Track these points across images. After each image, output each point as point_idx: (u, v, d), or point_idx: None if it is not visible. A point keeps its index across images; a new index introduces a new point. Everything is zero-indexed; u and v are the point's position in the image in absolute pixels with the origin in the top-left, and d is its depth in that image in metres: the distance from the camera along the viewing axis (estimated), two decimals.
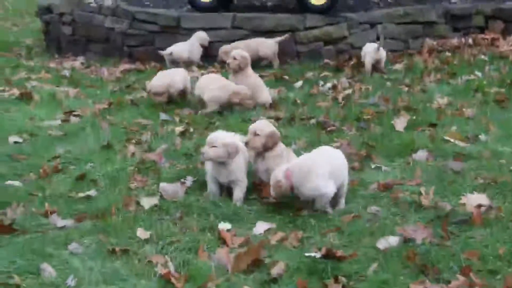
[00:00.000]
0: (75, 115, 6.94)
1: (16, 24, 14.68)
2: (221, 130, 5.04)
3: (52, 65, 9.83)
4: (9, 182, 5.08)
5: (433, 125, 5.98)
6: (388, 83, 7.71)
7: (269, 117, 6.35)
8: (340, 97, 7.13)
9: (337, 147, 5.35)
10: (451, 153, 5.28)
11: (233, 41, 8.77)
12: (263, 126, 4.78)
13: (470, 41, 9.14)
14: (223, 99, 6.78)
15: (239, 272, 3.72)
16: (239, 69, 6.97)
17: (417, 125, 6.01)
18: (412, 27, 9.38)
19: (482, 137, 5.61)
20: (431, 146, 5.44)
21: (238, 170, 4.69)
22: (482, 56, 8.40)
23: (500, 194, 4.51)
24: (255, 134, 4.69)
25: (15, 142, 6.07)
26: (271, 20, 9.10)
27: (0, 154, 5.68)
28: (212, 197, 4.71)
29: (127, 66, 9.39)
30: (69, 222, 4.40)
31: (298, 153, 5.03)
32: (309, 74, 8.36)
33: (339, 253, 3.75)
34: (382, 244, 3.91)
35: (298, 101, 7.14)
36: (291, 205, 4.54)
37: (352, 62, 8.71)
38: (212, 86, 6.84)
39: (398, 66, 8.53)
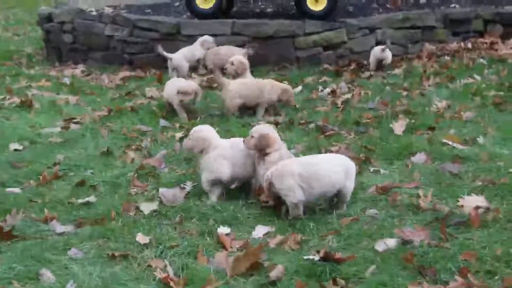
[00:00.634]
0: (75, 122, 6.97)
1: (17, 33, 14.75)
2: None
3: (52, 73, 9.87)
4: (9, 189, 5.10)
5: (432, 128, 6.00)
6: (387, 87, 7.73)
7: (268, 122, 6.37)
8: (339, 101, 7.15)
9: (336, 151, 5.40)
10: (449, 156, 5.29)
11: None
12: (259, 128, 4.82)
13: (469, 45, 9.18)
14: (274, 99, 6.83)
15: (238, 276, 3.73)
16: (236, 74, 6.99)
17: (416, 129, 6.03)
18: (411, 31, 9.43)
19: (480, 139, 5.62)
20: (429, 149, 5.45)
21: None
22: (481, 60, 8.42)
23: (498, 196, 4.52)
24: (251, 136, 4.72)
25: (15, 150, 6.10)
26: (271, 26, 9.15)
27: (0, 162, 5.71)
28: None
29: (127, 73, 9.43)
30: (68, 228, 4.41)
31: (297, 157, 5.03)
32: (309, 79, 8.39)
33: (338, 255, 3.76)
34: (380, 246, 3.93)
35: (297, 106, 7.15)
36: None
37: (351, 67, 8.74)
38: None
39: (397, 70, 8.56)
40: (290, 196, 4.37)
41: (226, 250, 4.06)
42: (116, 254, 4.00)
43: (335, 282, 3.52)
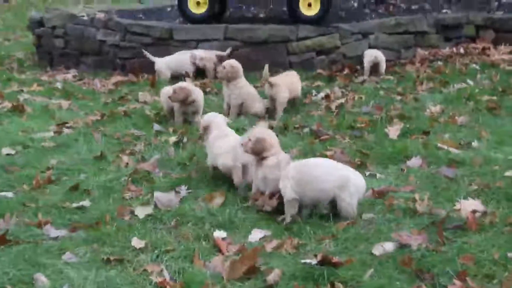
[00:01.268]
0: (67, 127, 6.93)
1: (7, 38, 14.66)
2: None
3: (44, 78, 9.80)
4: (1, 193, 5.05)
5: (426, 132, 6.00)
6: (381, 92, 7.74)
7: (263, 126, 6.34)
8: (333, 106, 7.15)
9: (331, 156, 5.39)
10: (444, 160, 5.29)
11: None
12: (256, 131, 4.82)
13: (462, 50, 9.21)
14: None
15: (234, 280, 3.70)
16: (228, 79, 6.97)
17: (410, 133, 6.03)
18: (404, 37, 9.45)
19: (475, 143, 5.63)
20: (425, 153, 5.45)
21: None
22: (474, 65, 8.46)
23: (494, 200, 4.52)
24: (249, 139, 4.70)
25: (8, 154, 6.05)
26: (264, 31, 9.13)
27: None
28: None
29: (119, 78, 9.39)
30: (62, 232, 4.37)
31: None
32: (302, 84, 8.36)
33: (335, 259, 3.73)
34: (377, 250, 3.91)
35: (291, 111, 7.14)
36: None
37: (344, 72, 8.76)
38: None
39: (390, 76, 8.56)
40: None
41: (223, 254, 4.03)
42: (111, 258, 3.96)
43: (333, 286, 3.49)
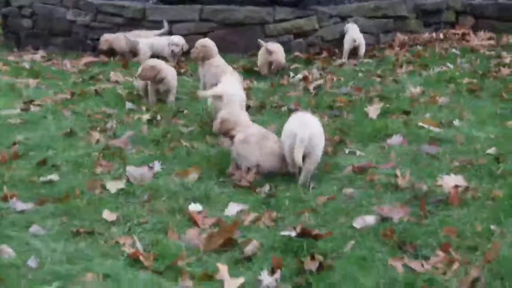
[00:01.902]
0: (35, 105, 6.68)
1: None
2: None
3: (10, 58, 9.48)
4: None
5: (407, 112, 5.90)
6: (360, 74, 7.64)
7: None
8: (311, 87, 7.02)
9: None
10: (425, 138, 5.20)
11: (202, 34, 8.58)
12: (222, 113, 4.94)
13: (441, 36, 9.13)
14: None
15: (211, 251, 3.56)
16: (202, 58, 6.81)
17: (391, 113, 5.92)
18: (383, 21, 9.34)
19: (456, 122, 5.53)
20: (405, 131, 5.35)
21: None
22: (453, 50, 8.38)
23: (476, 177, 4.44)
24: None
25: None
26: (240, 13, 8.94)
27: None
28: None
29: (90, 59, 9.11)
30: (29, 205, 4.19)
31: None
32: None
33: (315, 231, 3.62)
34: (358, 223, 3.81)
35: (268, 91, 7.00)
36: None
37: (322, 55, 8.63)
38: None
39: (369, 59, 8.46)
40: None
41: (198, 227, 3.88)
42: (81, 230, 3.81)
43: (313, 258, 3.35)
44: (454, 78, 7.00)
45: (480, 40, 8.85)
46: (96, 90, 7.16)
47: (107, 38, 9.09)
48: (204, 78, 6.86)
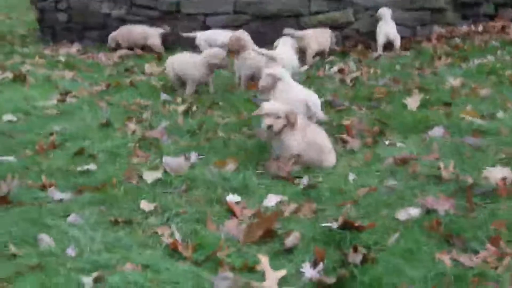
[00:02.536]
0: (71, 96, 6.69)
1: (9, 17, 14.41)
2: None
3: (47, 51, 9.55)
4: (3, 157, 4.83)
5: (448, 104, 5.74)
6: (397, 67, 7.47)
7: None
8: (347, 79, 6.89)
9: (348, 125, 5.17)
10: (468, 130, 5.03)
11: (236, 26, 8.49)
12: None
13: (480, 28, 8.89)
14: None
15: (251, 243, 3.48)
16: (236, 51, 6.73)
17: (431, 104, 5.76)
18: (420, 13, 9.10)
19: (500, 114, 5.34)
20: (447, 123, 5.19)
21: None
22: (493, 42, 8.14)
23: None
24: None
25: (9, 121, 5.83)
26: (275, 5, 8.84)
27: None
28: None
29: (125, 52, 9.13)
30: (67, 195, 4.18)
31: None
32: (314, 59, 8.11)
33: (357, 223, 3.52)
34: (402, 215, 3.69)
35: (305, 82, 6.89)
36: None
37: (358, 48, 8.49)
38: None
39: (406, 52, 8.29)
40: None
41: (237, 218, 3.81)
42: (119, 220, 3.78)
43: (356, 250, 3.25)
44: (495, 70, 6.78)
45: None
46: (131, 82, 7.15)
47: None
48: (240, 71, 6.80)
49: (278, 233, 3.57)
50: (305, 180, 4.32)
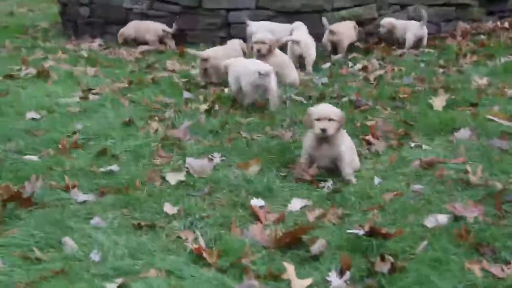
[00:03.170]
0: (94, 93, 6.70)
1: (32, 9, 14.47)
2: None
3: (69, 46, 9.59)
4: (26, 156, 4.84)
5: (474, 104, 5.64)
6: (422, 65, 7.38)
7: (298, 94, 6.08)
8: (371, 77, 6.81)
9: (372, 125, 5.10)
10: (496, 132, 4.93)
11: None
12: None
13: (506, 24, 8.74)
14: None
15: (276, 249, 3.44)
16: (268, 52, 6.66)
17: (457, 105, 5.67)
18: (445, 9, 9.01)
19: None
20: (473, 124, 5.10)
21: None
22: None
23: None
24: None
25: (33, 119, 5.84)
26: (297, 0, 8.77)
27: (17, 130, 5.46)
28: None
29: (146, 47, 9.11)
30: (90, 196, 4.17)
31: None
32: (337, 56, 8.04)
33: (384, 230, 3.45)
34: (430, 222, 3.61)
35: (328, 81, 6.84)
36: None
37: (382, 45, 8.39)
38: None
39: (430, 49, 8.17)
40: None
41: (261, 222, 3.76)
42: (142, 223, 3.74)
43: (383, 259, 3.18)
44: None
45: None
46: (153, 79, 7.13)
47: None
48: None
49: (304, 239, 3.51)
50: (329, 184, 4.26)
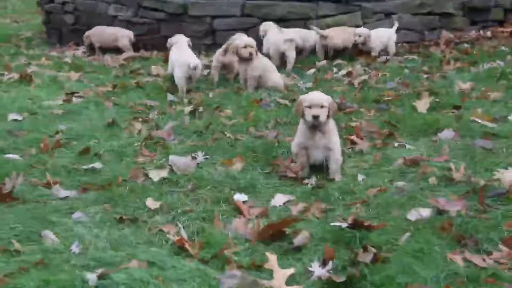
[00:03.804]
0: (77, 96, 6.66)
1: (16, 20, 14.43)
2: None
3: (53, 53, 9.56)
4: (8, 155, 4.79)
5: (458, 107, 5.67)
6: (406, 71, 7.43)
7: (283, 98, 6.08)
8: (355, 82, 6.84)
9: (356, 126, 5.12)
10: (479, 132, 4.95)
11: (243, 29, 8.45)
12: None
13: (489, 34, 8.83)
14: None
15: (259, 242, 3.42)
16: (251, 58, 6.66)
17: (440, 108, 5.69)
18: (429, 18, 9.09)
19: (511, 117, 5.28)
20: (457, 126, 5.12)
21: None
22: (502, 48, 8.08)
23: None
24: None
25: (15, 120, 5.79)
26: (282, 8, 8.81)
27: None
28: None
29: (131, 54, 9.11)
30: (72, 193, 4.14)
31: None
32: (322, 62, 8.09)
33: (367, 223, 3.44)
34: (413, 215, 3.61)
35: (313, 86, 6.85)
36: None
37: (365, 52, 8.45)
38: None
39: (414, 56, 8.24)
40: None
41: (244, 217, 3.74)
42: (125, 218, 3.71)
43: (366, 250, 3.17)
44: (505, 74, 6.70)
45: None
46: (137, 83, 7.12)
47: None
48: (245, 72, 6.71)
49: (287, 232, 3.50)
50: (313, 180, 4.26)
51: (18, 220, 3.62)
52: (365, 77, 7.06)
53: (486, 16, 9.38)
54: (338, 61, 8.12)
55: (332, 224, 3.50)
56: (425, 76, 7.07)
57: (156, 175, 4.36)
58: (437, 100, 5.86)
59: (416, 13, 9.02)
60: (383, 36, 8.25)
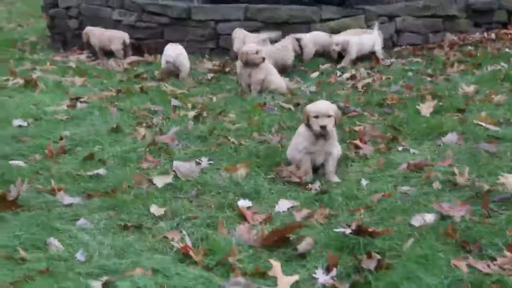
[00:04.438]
0: (81, 101, 6.67)
1: (20, 24, 14.46)
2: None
3: (57, 58, 9.57)
4: (13, 161, 4.80)
5: (461, 110, 5.66)
6: (410, 73, 7.42)
7: (286, 102, 6.07)
8: (359, 85, 6.84)
9: (360, 130, 5.11)
10: (483, 136, 4.95)
11: None
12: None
13: (493, 36, 8.81)
14: None
15: (263, 248, 3.42)
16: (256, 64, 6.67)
17: (444, 111, 5.68)
18: (432, 20, 9.07)
19: None
20: (461, 129, 5.12)
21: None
22: (507, 50, 8.05)
23: None
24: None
25: (19, 126, 5.81)
26: (285, 12, 8.83)
27: (3, 136, 5.43)
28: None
29: (135, 58, 9.12)
30: (76, 199, 4.14)
31: None
32: (326, 66, 8.08)
33: (371, 229, 3.44)
34: (417, 220, 3.61)
35: (316, 90, 6.85)
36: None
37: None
38: None
39: (418, 58, 8.23)
40: None
41: (248, 223, 3.75)
42: (129, 224, 3.72)
43: (370, 256, 3.18)
44: (509, 77, 6.67)
45: None
46: (141, 88, 7.13)
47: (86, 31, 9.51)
48: (249, 77, 6.73)
49: (291, 238, 3.50)
50: (316, 185, 4.26)
51: (23, 228, 3.63)
52: (369, 80, 7.05)
53: (490, 18, 9.35)
54: (342, 64, 8.11)
55: (336, 230, 3.50)
56: (429, 79, 7.06)
57: (160, 181, 4.37)
58: (441, 103, 5.85)
59: (420, 15, 9.01)
60: (365, 44, 8.24)
